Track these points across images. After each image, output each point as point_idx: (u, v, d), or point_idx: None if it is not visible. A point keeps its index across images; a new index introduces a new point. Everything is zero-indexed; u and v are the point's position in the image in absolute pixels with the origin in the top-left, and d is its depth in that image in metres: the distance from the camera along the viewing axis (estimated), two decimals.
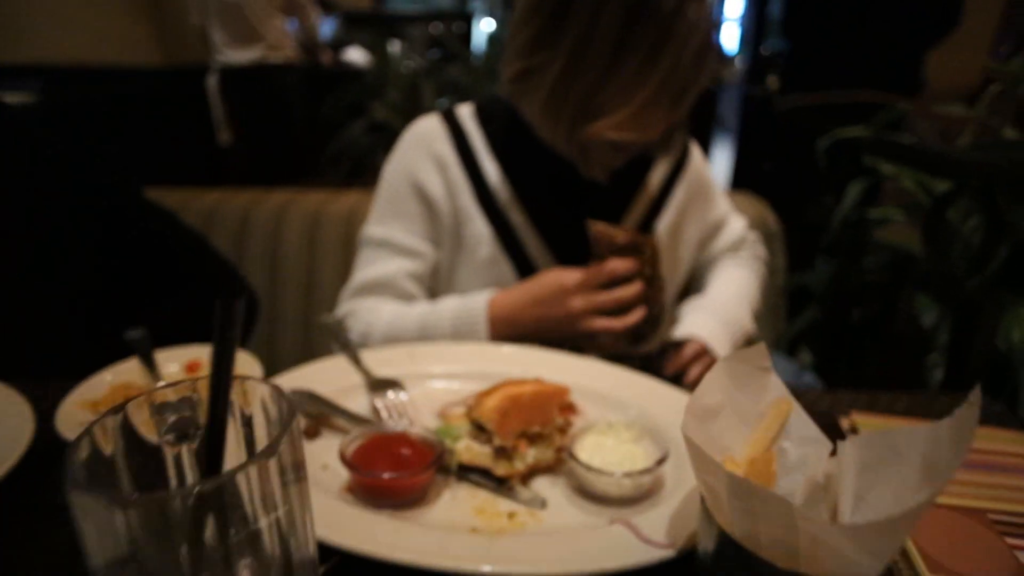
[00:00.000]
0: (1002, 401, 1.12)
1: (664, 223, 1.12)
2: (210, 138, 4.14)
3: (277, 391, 0.38)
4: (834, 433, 0.50)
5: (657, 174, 1.14)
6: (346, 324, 1.02)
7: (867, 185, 1.36)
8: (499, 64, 1.05)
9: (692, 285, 1.29)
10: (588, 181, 1.06)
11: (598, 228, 0.97)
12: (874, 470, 0.47)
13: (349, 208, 1.55)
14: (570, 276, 0.97)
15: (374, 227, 1.11)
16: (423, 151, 1.09)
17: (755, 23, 5.55)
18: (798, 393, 0.89)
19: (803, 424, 0.53)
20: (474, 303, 0.99)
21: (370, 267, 1.09)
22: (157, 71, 4.38)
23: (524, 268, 1.08)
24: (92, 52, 3.96)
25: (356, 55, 4.32)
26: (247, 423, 0.39)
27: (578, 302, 0.95)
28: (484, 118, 1.11)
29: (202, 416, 0.37)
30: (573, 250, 1.07)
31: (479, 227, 1.07)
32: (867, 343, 1.40)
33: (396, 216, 1.09)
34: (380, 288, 1.07)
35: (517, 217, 1.07)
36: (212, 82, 3.95)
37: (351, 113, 3.51)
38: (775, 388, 0.54)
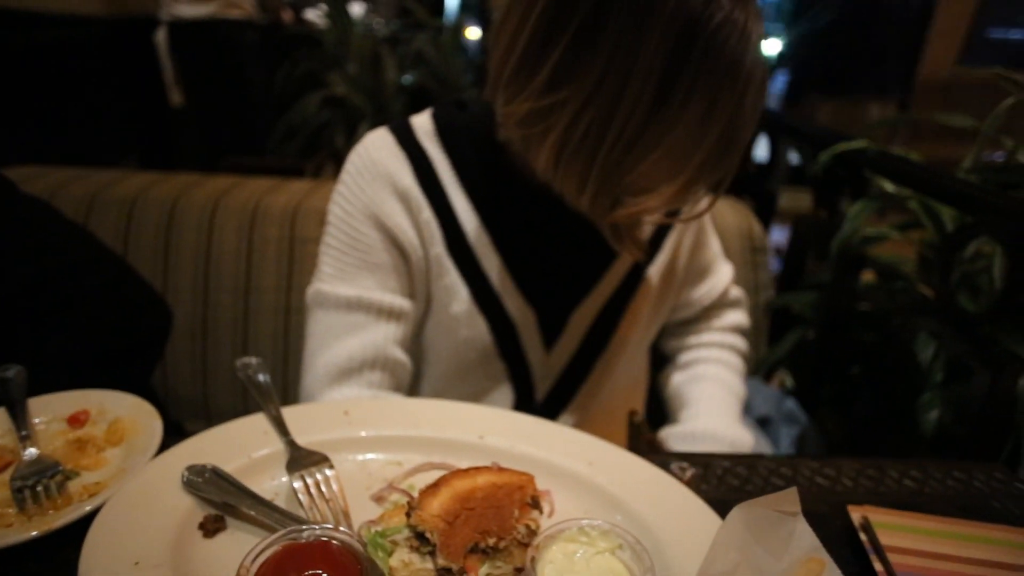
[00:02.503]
0: (1001, 460, 1.04)
1: (657, 266, 0.99)
2: (158, 98, 3.84)
3: None
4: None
5: None
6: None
7: (873, 206, 1.25)
8: (489, 92, 0.83)
9: (660, 347, 1.17)
10: (574, 221, 0.90)
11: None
12: None
13: (294, 200, 1.38)
14: None
15: (336, 284, 0.89)
16: (384, 183, 0.88)
17: None
18: (795, 464, 0.79)
19: None
20: None
21: (349, 338, 0.87)
22: (98, 19, 4.01)
23: (500, 325, 0.92)
24: None
25: (318, 16, 4.02)
26: None
27: None
28: (447, 139, 0.91)
29: None
30: (556, 306, 0.93)
31: (452, 279, 0.90)
32: (856, 373, 1.31)
33: (365, 268, 0.88)
34: (370, 366, 0.87)
35: (493, 266, 0.90)
36: (161, 37, 3.63)
37: (307, 83, 3.25)
38: (803, 540, 0.41)
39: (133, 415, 0.72)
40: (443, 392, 0.98)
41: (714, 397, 1.06)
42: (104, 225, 1.32)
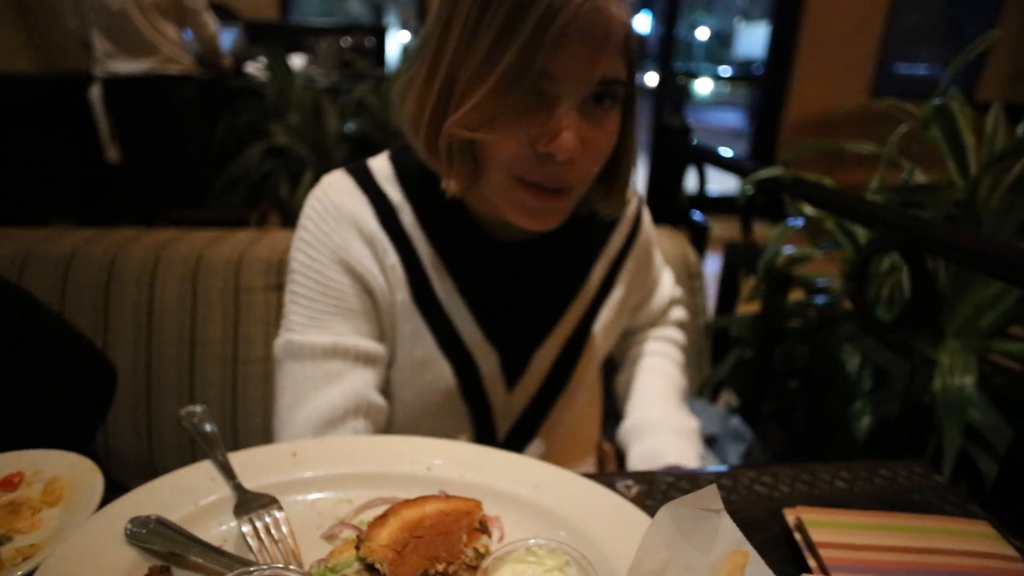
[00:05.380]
0: (926, 458, 1.11)
1: (613, 300, 1.03)
2: (94, 155, 3.77)
3: None
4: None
5: (613, 245, 1.03)
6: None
7: (793, 229, 1.35)
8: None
9: (615, 352, 1.21)
10: (534, 263, 0.92)
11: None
12: None
13: (238, 250, 1.37)
14: None
15: (309, 333, 0.86)
16: (349, 227, 0.88)
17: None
18: (734, 475, 0.83)
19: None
20: None
21: (329, 388, 0.85)
22: (29, 78, 3.95)
23: (464, 369, 0.93)
24: None
25: (258, 69, 4.05)
26: None
27: None
28: (407, 183, 0.91)
29: None
30: (518, 347, 0.95)
31: (417, 324, 0.90)
32: (794, 387, 1.38)
33: (338, 314, 0.87)
34: (353, 414, 0.85)
35: (457, 311, 0.91)
36: (95, 93, 3.58)
37: (249, 135, 3.26)
38: (727, 534, 0.44)
39: (71, 473, 0.69)
40: (406, 434, 0.97)
41: (656, 386, 1.10)
42: (38, 284, 1.29)
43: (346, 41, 4.32)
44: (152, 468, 1.32)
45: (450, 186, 0.81)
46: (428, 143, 0.81)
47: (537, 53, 0.70)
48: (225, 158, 3.26)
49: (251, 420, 1.32)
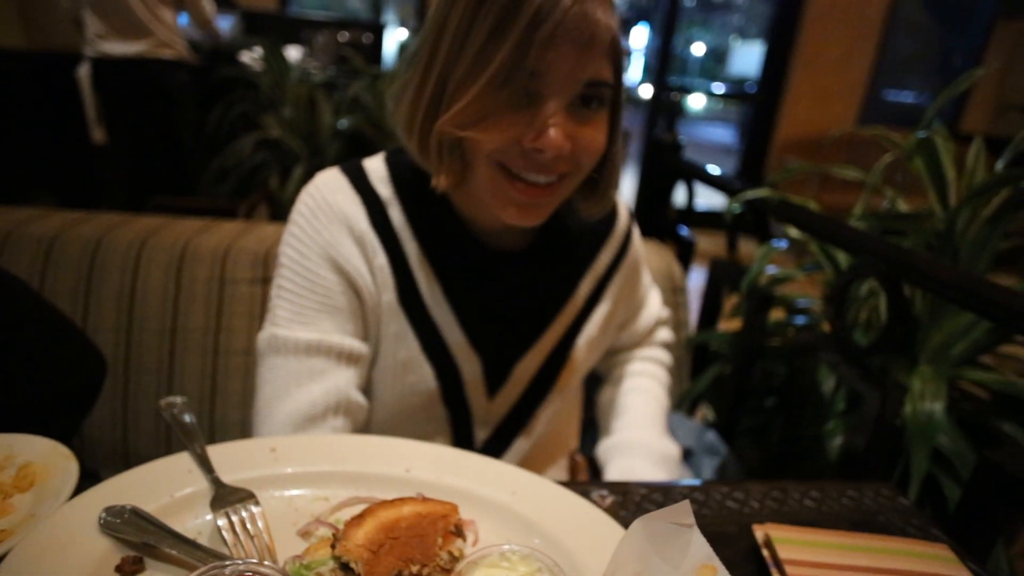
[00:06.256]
0: (894, 480, 1.13)
1: (599, 315, 1.04)
2: (81, 135, 3.71)
3: None
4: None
5: (602, 261, 1.03)
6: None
7: (777, 250, 1.37)
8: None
9: (600, 368, 1.22)
10: (521, 273, 0.94)
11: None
12: None
13: (225, 241, 1.37)
14: None
15: (294, 328, 0.87)
16: (340, 226, 0.88)
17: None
18: (707, 489, 0.85)
19: None
20: None
21: (311, 384, 0.85)
22: (17, 53, 3.89)
23: (446, 373, 0.94)
24: None
25: (253, 59, 4.02)
26: None
27: None
28: (401, 186, 0.92)
29: None
30: (501, 356, 0.96)
31: (402, 326, 0.91)
32: (771, 405, 1.40)
33: (323, 311, 0.87)
34: (333, 411, 0.86)
35: (442, 315, 0.92)
36: (83, 72, 3.53)
37: (241, 125, 3.24)
38: (698, 550, 0.45)
39: (45, 459, 0.68)
40: (384, 435, 0.98)
41: (643, 409, 1.11)
42: (18, 265, 1.27)
43: (343, 36, 4.30)
44: (126, 457, 1.31)
45: (440, 182, 0.83)
46: (420, 142, 0.83)
47: (527, 53, 0.72)
48: (216, 147, 3.24)
49: (230, 413, 1.32)
